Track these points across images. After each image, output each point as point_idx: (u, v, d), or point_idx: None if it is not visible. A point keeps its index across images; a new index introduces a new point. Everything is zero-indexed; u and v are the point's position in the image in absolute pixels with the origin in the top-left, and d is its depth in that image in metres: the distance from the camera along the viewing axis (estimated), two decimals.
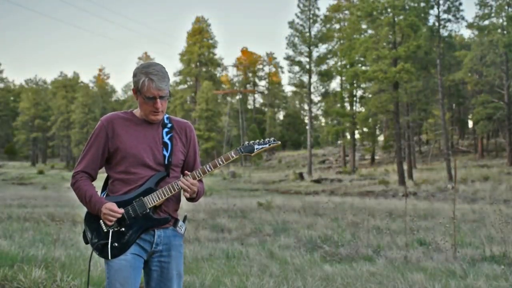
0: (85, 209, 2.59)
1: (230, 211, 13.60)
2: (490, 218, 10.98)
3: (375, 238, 8.31)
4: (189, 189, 2.54)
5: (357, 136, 49.57)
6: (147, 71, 2.48)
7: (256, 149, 2.64)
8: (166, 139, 2.63)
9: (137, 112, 2.65)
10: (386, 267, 5.98)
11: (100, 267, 5.12)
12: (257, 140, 2.67)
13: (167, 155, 2.61)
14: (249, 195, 25.68)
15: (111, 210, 2.45)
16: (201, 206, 14.71)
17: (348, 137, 48.72)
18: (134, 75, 2.52)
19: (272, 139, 2.68)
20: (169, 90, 2.56)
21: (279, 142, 2.69)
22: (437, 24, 34.58)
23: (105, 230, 2.49)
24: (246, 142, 2.65)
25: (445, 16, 34.75)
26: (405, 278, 5.23)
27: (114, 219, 2.46)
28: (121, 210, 2.47)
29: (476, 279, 5.15)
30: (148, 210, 2.53)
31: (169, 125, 2.67)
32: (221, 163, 2.58)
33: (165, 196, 2.55)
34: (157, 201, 2.54)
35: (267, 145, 2.65)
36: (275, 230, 10.17)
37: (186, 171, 2.61)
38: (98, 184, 2.65)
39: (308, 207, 14.65)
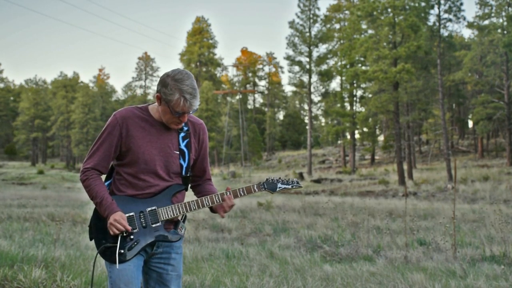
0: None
1: (230, 211, 13.58)
2: (490, 218, 10.97)
3: (375, 238, 8.30)
4: (227, 210, 2.62)
5: (357, 136, 49.53)
6: (181, 88, 2.34)
7: (279, 188, 2.64)
8: (182, 145, 2.55)
9: (153, 109, 2.54)
10: (386, 267, 5.97)
11: (100, 267, 5.10)
12: (281, 179, 2.66)
13: (184, 165, 2.54)
14: (249, 195, 25.60)
15: (119, 223, 2.38)
16: None
17: (348, 137, 48.71)
18: (165, 86, 2.37)
19: (296, 180, 2.66)
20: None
21: (302, 186, 2.72)
22: (437, 24, 34.57)
23: (113, 234, 2.43)
24: (270, 179, 2.64)
25: (445, 16, 34.75)
26: (405, 278, 5.23)
27: (118, 232, 2.38)
28: (129, 228, 2.39)
29: (476, 279, 5.15)
30: (160, 223, 2.47)
31: (185, 128, 2.57)
32: (242, 194, 2.63)
33: (181, 213, 2.50)
34: (171, 215, 2.48)
35: (289, 186, 2.65)
36: (275, 230, 10.17)
37: (228, 187, 2.62)
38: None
39: (308, 207, 14.64)
